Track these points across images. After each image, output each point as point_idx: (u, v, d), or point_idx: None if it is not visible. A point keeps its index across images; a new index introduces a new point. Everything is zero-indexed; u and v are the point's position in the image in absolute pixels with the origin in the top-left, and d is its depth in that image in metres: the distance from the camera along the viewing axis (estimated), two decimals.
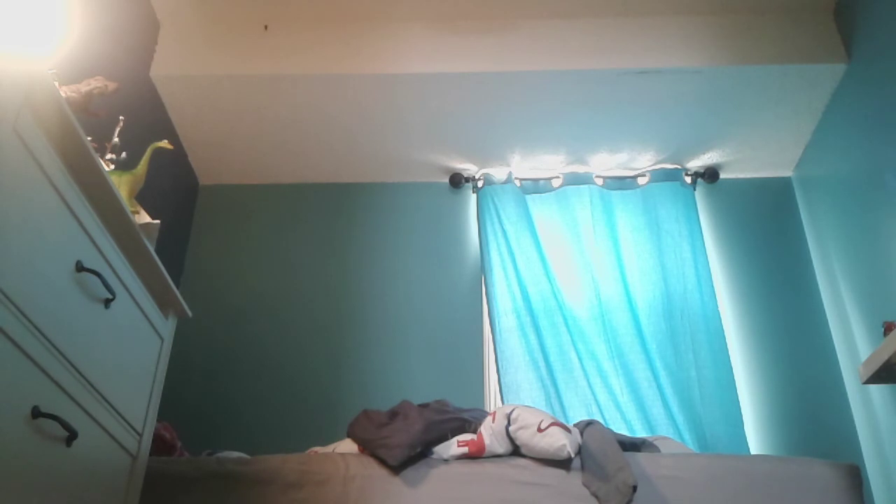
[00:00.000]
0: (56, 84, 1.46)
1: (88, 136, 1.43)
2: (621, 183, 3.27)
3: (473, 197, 3.33)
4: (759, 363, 2.93)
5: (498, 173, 3.30)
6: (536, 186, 3.27)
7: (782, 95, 2.92)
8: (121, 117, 2.04)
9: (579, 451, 1.83)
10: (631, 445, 1.99)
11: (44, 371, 1.19)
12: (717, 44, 2.86)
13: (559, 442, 1.77)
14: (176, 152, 3.09)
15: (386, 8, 2.91)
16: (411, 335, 3.02)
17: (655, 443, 2.12)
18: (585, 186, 3.24)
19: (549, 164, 3.30)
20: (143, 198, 2.43)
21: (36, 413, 1.16)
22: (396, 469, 1.83)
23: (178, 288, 2.37)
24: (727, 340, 2.90)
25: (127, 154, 2.00)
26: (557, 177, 3.29)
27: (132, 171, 1.89)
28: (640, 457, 1.87)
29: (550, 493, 1.77)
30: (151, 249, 1.60)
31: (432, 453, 1.90)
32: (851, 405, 2.82)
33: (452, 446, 1.90)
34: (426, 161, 3.30)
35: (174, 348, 1.85)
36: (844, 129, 2.84)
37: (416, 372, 2.94)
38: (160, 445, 2.11)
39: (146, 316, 1.64)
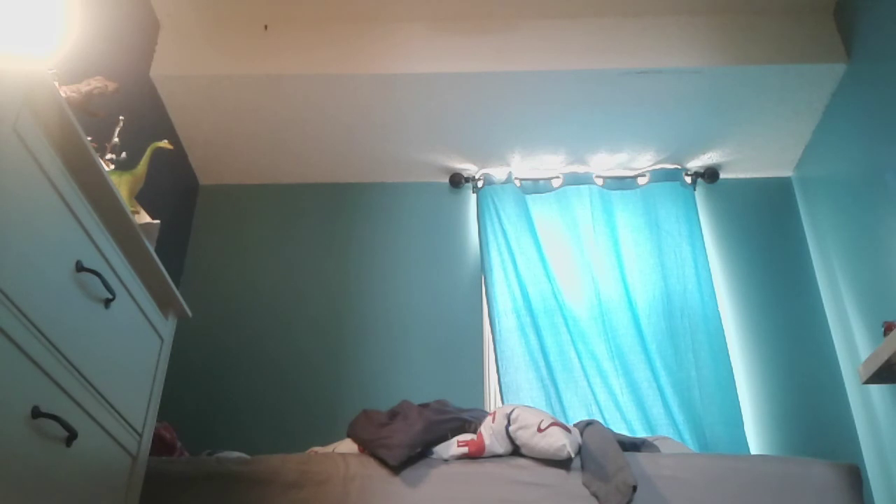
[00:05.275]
0: (56, 84, 1.46)
1: (88, 136, 1.43)
2: (621, 183, 3.27)
3: (473, 197, 3.33)
4: (759, 363, 2.93)
5: (498, 173, 3.30)
6: (536, 186, 3.27)
7: (782, 95, 2.92)
8: (121, 117, 2.04)
9: (579, 451, 1.83)
10: (631, 445, 1.99)
11: (44, 371, 1.19)
12: (717, 44, 2.86)
13: (559, 442, 1.77)
14: (176, 152, 3.09)
15: (386, 8, 2.91)
16: (411, 335, 3.02)
17: (655, 443, 2.12)
18: (585, 186, 3.23)
19: (549, 164, 3.30)
20: (143, 198, 2.43)
21: (36, 413, 1.16)
22: (396, 469, 1.83)
23: (178, 288, 2.37)
24: (727, 340, 2.90)
25: (127, 154, 2.00)
26: (557, 177, 3.29)
27: (132, 171, 1.89)
28: (640, 457, 1.87)
29: (550, 493, 1.77)
30: (151, 249, 1.60)
31: (432, 453, 1.90)
32: (851, 405, 2.81)
33: (452, 446, 1.90)
34: (426, 161, 3.30)
35: (174, 348, 1.84)
36: (844, 129, 2.83)
37: (416, 372, 2.94)
38: (160, 445, 2.11)
39: (146, 316, 1.64)
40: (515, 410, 1.88)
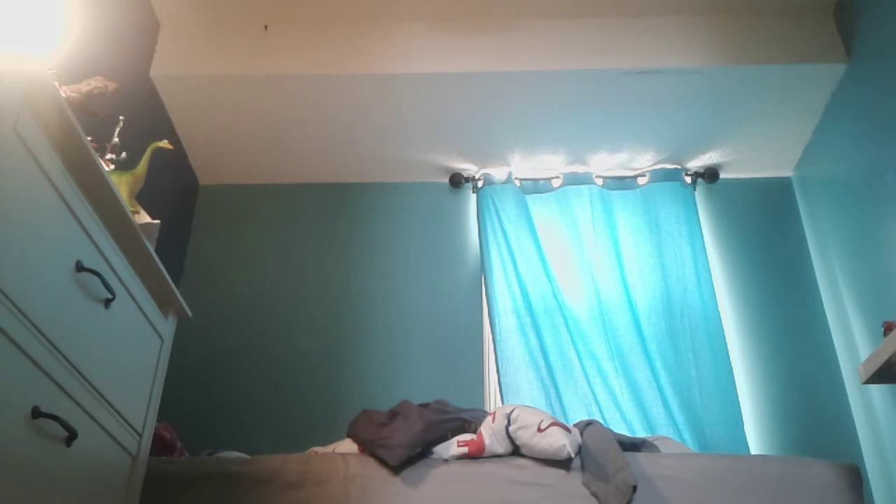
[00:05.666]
0: (56, 84, 1.46)
1: (88, 136, 1.43)
2: (621, 183, 3.27)
3: (473, 197, 3.33)
4: (759, 363, 2.93)
5: (498, 173, 3.30)
6: (536, 186, 3.27)
7: (782, 95, 2.92)
8: (121, 117, 2.04)
9: (579, 451, 1.83)
10: (631, 445, 1.99)
11: (44, 371, 1.19)
12: (717, 44, 2.86)
13: (559, 442, 1.77)
14: (176, 152, 3.09)
15: (386, 8, 2.91)
16: (411, 335, 3.02)
17: (655, 443, 2.12)
18: (585, 186, 3.23)
19: (549, 164, 3.30)
20: (143, 198, 2.42)
21: (36, 413, 1.16)
22: (396, 469, 1.83)
23: (178, 288, 2.37)
24: (727, 340, 2.90)
25: (127, 154, 2.00)
26: (557, 177, 3.29)
27: (132, 171, 1.89)
28: (640, 457, 1.87)
29: (550, 493, 1.77)
30: (151, 249, 1.60)
31: (432, 453, 1.90)
32: (851, 405, 2.81)
33: (452, 446, 1.90)
34: (426, 161, 3.30)
35: (174, 348, 1.84)
36: (844, 129, 2.84)
37: (416, 372, 2.94)
38: (160, 445, 2.11)
39: (146, 316, 1.64)
40: (515, 410, 1.88)
